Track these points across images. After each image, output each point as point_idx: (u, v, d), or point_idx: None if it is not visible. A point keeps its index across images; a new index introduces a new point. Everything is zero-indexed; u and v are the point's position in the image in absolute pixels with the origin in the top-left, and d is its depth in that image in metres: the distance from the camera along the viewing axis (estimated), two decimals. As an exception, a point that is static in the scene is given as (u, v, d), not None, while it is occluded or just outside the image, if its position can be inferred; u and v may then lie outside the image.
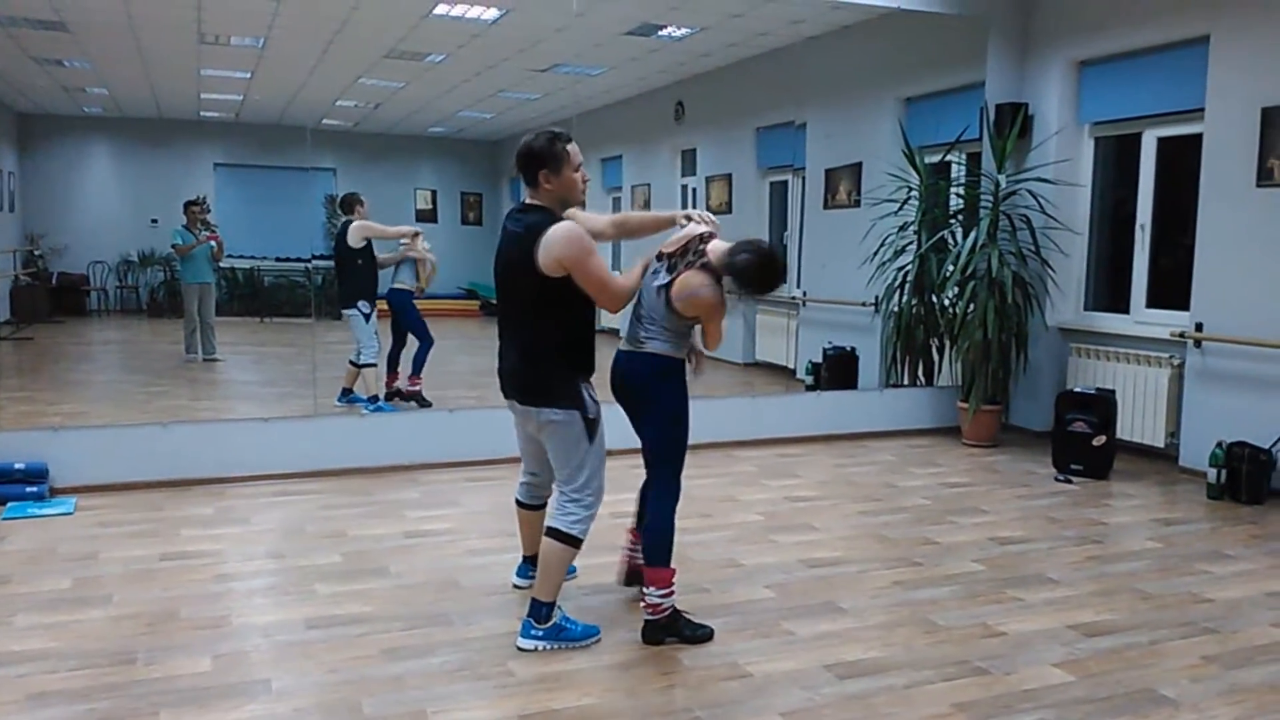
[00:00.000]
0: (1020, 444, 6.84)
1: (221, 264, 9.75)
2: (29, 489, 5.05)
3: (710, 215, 3.52)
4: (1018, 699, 3.00)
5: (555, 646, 3.33)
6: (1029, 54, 7.02)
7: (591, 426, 3.33)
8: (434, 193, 10.87)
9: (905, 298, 7.24)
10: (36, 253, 10.73)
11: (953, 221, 7.25)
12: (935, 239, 7.14)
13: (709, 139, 9.76)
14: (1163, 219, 6.44)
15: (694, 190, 9.89)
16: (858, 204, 7.79)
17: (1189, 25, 5.93)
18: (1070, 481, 5.85)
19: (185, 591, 3.84)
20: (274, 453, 5.63)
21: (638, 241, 3.90)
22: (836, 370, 7.68)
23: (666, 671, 3.17)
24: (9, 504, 4.96)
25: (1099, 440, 5.90)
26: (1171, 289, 6.31)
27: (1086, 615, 3.71)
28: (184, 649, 3.29)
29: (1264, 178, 5.50)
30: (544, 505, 3.68)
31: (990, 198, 6.81)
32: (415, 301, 7.48)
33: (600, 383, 3.43)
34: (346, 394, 7.17)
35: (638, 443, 3.50)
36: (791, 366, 8.37)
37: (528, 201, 3.35)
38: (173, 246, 9.48)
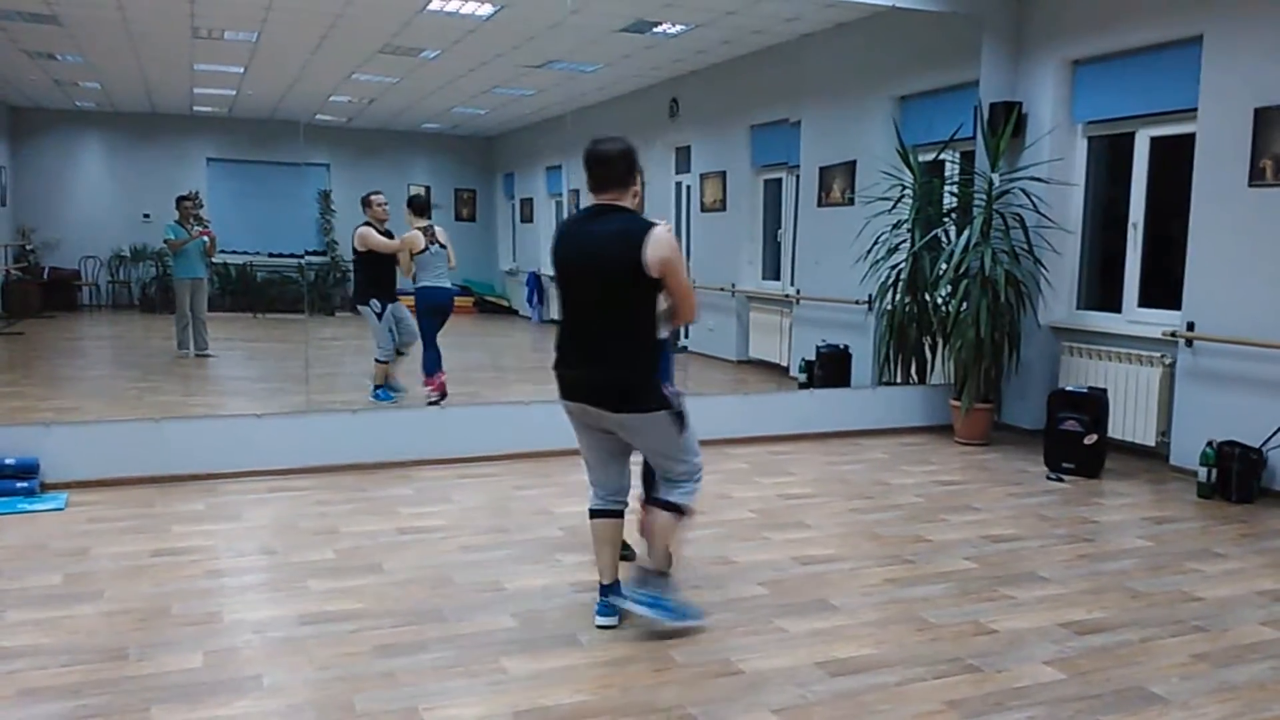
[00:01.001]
0: (1012, 442, 6.86)
1: (214, 259, 9.73)
2: (20, 484, 5.03)
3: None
4: (1009, 696, 3.01)
5: (653, 615, 3.39)
6: (1023, 53, 7.03)
7: (683, 419, 3.39)
8: (428, 188, 10.87)
9: (898, 296, 7.26)
10: (28, 247, 10.69)
11: (946, 220, 7.26)
12: (929, 237, 7.15)
13: (703, 136, 9.74)
14: (1155, 218, 6.46)
15: (688, 188, 9.88)
16: (852, 202, 7.79)
17: (1182, 25, 5.95)
18: (1062, 480, 5.86)
19: (177, 587, 3.83)
20: (266, 449, 5.62)
21: None
22: (830, 368, 7.68)
23: (659, 668, 3.17)
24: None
25: (1090, 439, 5.91)
26: (1163, 288, 6.33)
27: (1078, 613, 3.72)
28: (175, 645, 3.28)
29: (1256, 178, 5.52)
30: (623, 512, 3.55)
31: (983, 196, 6.82)
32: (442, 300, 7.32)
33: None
34: (377, 389, 7.21)
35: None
36: (785, 364, 8.38)
37: (607, 203, 3.33)
38: (165, 241, 9.46)
